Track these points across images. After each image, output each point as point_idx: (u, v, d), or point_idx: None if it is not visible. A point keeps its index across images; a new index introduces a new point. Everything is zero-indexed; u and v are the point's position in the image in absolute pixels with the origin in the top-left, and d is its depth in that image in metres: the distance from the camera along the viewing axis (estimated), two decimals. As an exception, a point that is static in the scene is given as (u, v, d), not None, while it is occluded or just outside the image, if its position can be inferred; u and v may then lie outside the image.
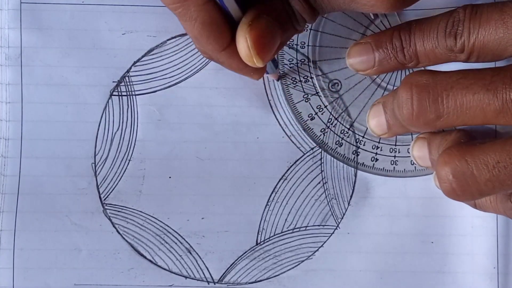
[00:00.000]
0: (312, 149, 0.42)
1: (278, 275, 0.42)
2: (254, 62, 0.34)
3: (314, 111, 0.42)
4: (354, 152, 0.42)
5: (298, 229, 0.42)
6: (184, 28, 0.35)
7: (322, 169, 0.42)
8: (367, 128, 0.41)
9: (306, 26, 0.41)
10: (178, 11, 0.34)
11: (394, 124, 0.38)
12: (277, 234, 0.42)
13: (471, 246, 0.41)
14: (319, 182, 0.42)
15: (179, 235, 0.42)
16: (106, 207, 0.42)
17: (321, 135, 0.42)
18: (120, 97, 0.42)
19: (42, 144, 0.42)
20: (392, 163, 0.42)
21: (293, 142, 0.42)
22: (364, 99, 0.42)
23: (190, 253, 0.42)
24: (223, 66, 0.37)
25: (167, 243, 0.42)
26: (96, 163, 0.42)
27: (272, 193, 0.42)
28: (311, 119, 0.42)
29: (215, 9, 0.34)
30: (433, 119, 0.35)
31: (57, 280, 0.42)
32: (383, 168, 0.42)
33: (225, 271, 0.42)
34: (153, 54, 0.42)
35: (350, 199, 0.42)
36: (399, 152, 0.42)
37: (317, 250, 0.42)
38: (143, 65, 0.42)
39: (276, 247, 0.42)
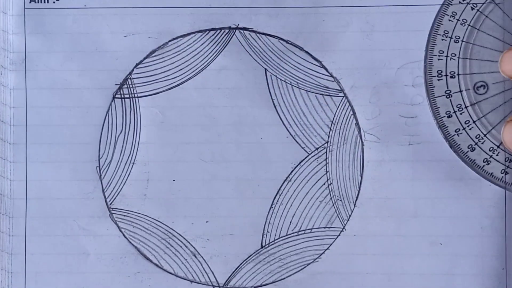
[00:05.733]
0: (317, 149, 0.43)
1: (284, 278, 0.43)
2: None
3: (453, 109, 0.41)
4: (485, 160, 0.41)
5: (303, 232, 0.43)
6: None
7: (327, 169, 0.43)
8: None
9: (465, 21, 0.41)
10: None
11: None
12: (282, 237, 0.43)
13: (480, 247, 0.41)
14: (324, 183, 0.43)
15: (184, 238, 0.43)
16: (112, 211, 0.43)
17: (454, 135, 0.41)
18: (123, 99, 0.43)
19: (46, 148, 0.43)
20: None
21: (297, 142, 0.43)
22: (509, 108, 0.41)
23: (195, 256, 0.43)
24: None
25: (172, 246, 0.43)
26: (101, 167, 0.43)
27: (276, 195, 0.43)
28: (448, 117, 0.42)
29: None
30: None
31: (66, 284, 0.43)
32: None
33: (230, 275, 0.43)
34: (155, 56, 0.43)
35: (356, 200, 0.42)
36: None
37: (323, 252, 0.42)
38: (145, 67, 0.43)
39: (281, 250, 0.43)
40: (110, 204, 0.43)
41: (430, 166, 0.42)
